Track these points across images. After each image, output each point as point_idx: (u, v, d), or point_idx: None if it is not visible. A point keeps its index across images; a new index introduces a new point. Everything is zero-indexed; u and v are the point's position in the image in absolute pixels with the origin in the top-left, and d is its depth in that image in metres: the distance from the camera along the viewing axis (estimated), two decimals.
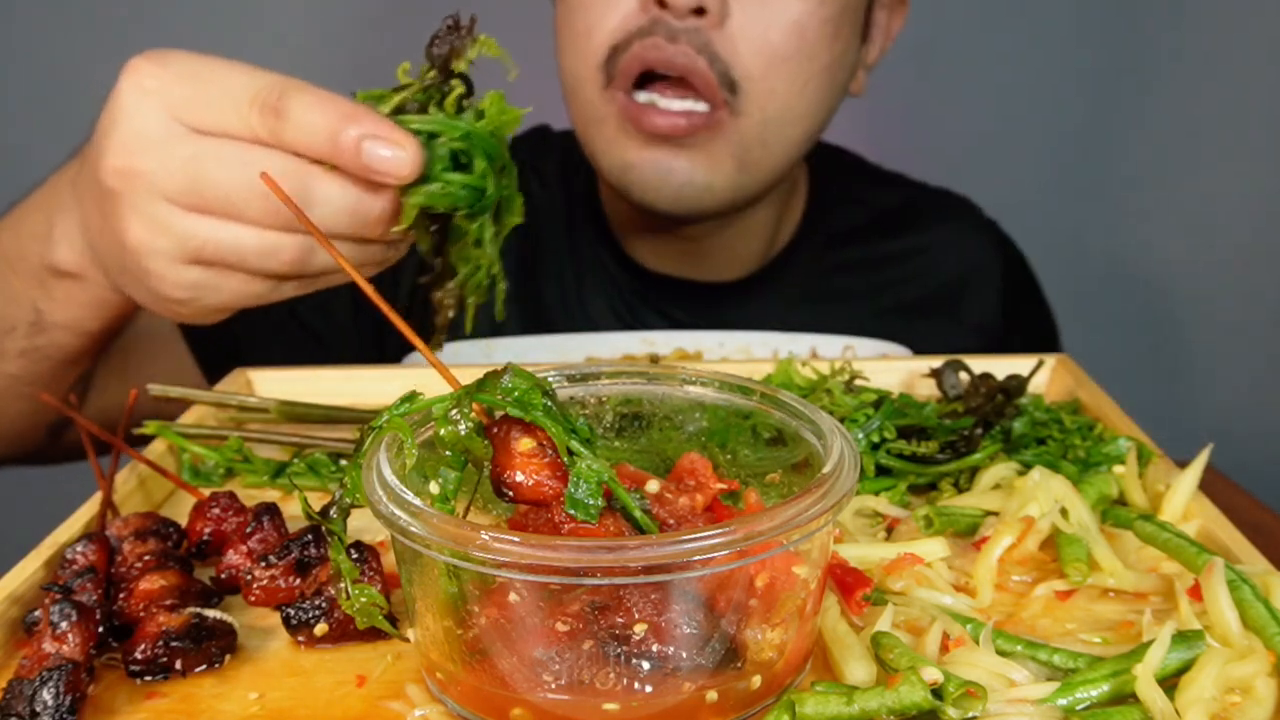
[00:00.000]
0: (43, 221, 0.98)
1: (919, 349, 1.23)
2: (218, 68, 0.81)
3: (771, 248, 1.50)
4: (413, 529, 0.58)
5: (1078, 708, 0.61)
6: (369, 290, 0.65)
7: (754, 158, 1.29)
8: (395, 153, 0.78)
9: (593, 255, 1.48)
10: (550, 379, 0.74)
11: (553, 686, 0.58)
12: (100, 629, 0.66)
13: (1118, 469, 0.88)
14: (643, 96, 1.25)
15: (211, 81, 0.81)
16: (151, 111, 0.81)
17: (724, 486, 0.68)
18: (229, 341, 1.31)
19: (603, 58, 1.25)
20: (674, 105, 1.24)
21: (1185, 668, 0.63)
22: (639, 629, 0.57)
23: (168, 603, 0.69)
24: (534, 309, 1.46)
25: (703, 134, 1.25)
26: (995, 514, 0.82)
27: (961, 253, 1.58)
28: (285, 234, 0.82)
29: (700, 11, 1.20)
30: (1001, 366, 1.05)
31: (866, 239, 1.55)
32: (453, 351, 1.24)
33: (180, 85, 0.81)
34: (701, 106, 1.24)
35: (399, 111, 0.82)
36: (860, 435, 0.90)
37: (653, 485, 0.66)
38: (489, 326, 1.33)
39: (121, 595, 0.71)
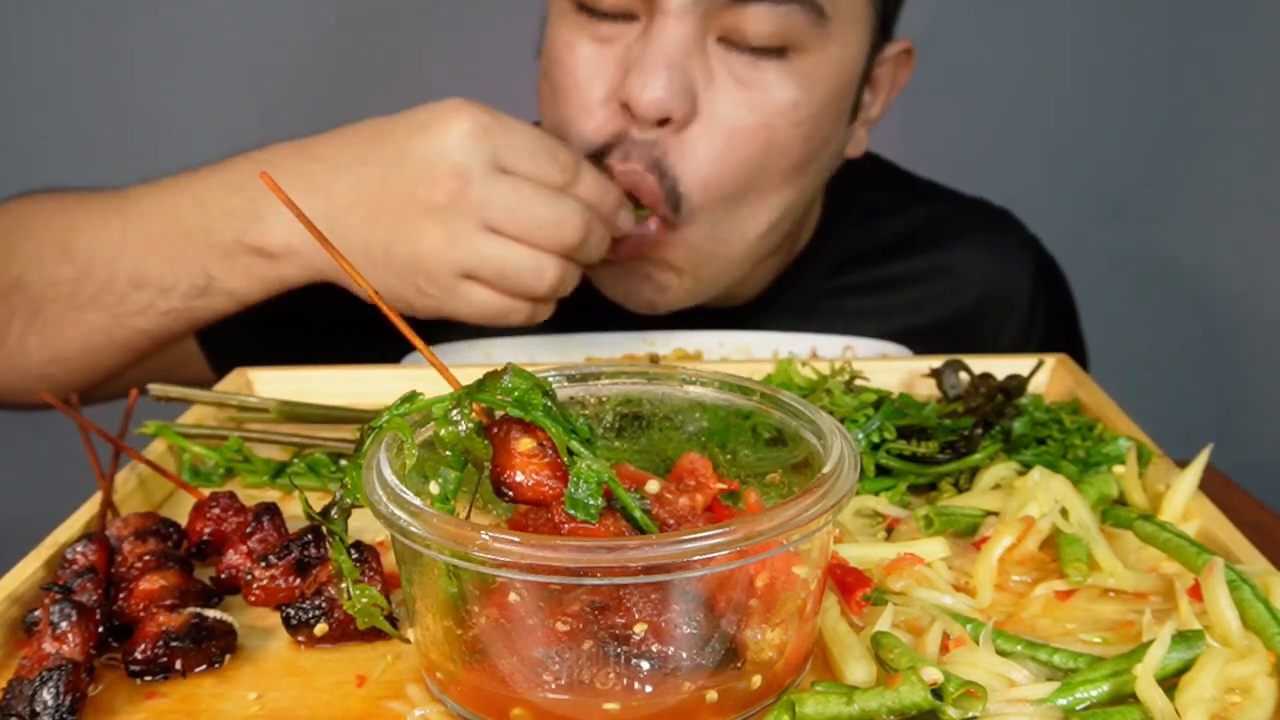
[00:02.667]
0: (242, 202, 1.13)
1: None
2: (516, 125, 1.10)
3: (778, 271, 1.46)
4: (413, 529, 0.58)
5: (1078, 708, 0.61)
6: (371, 291, 0.65)
7: (706, 254, 1.26)
8: (628, 216, 1.19)
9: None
10: (550, 379, 0.74)
11: (553, 686, 0.58)
12: (100, 629, 0.66)
13: (1118, 469, 0.88)
14: None
15: (517, 136, 1.09)
16: (481, 151, 1.06)
17: (724, 486, 0.68)
18: (237, 343, 1.32)
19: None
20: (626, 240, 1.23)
21: (1185, 668, 0.63)
22: (639, 629, 0.57)
23: (168, 603, 0.69)
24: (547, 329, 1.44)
25: (648, 245, 1.23)
26: (995, 514, 0.82)
27: (989, 274, 1.49)
28: (552, 258, 1.09)
29: (664, 121, 1.17)
30: (1001, 366, 1.05)
31: (881, 259, 1.49)
32: (453, 351, 1.23)
33: (498, 135, 1.08)
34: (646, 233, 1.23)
35: None
36: (860, 435, 0.90)
37: (653, 485, 0.66)
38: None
39: (121, 595, 0.71)
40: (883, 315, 1.46)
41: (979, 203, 1.58)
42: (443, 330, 1.27)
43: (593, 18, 1.21)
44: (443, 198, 1.07)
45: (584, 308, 1.42)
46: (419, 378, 1.03)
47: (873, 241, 1.50)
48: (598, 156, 1.20)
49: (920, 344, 1.35)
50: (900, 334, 1.38)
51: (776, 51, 1.18)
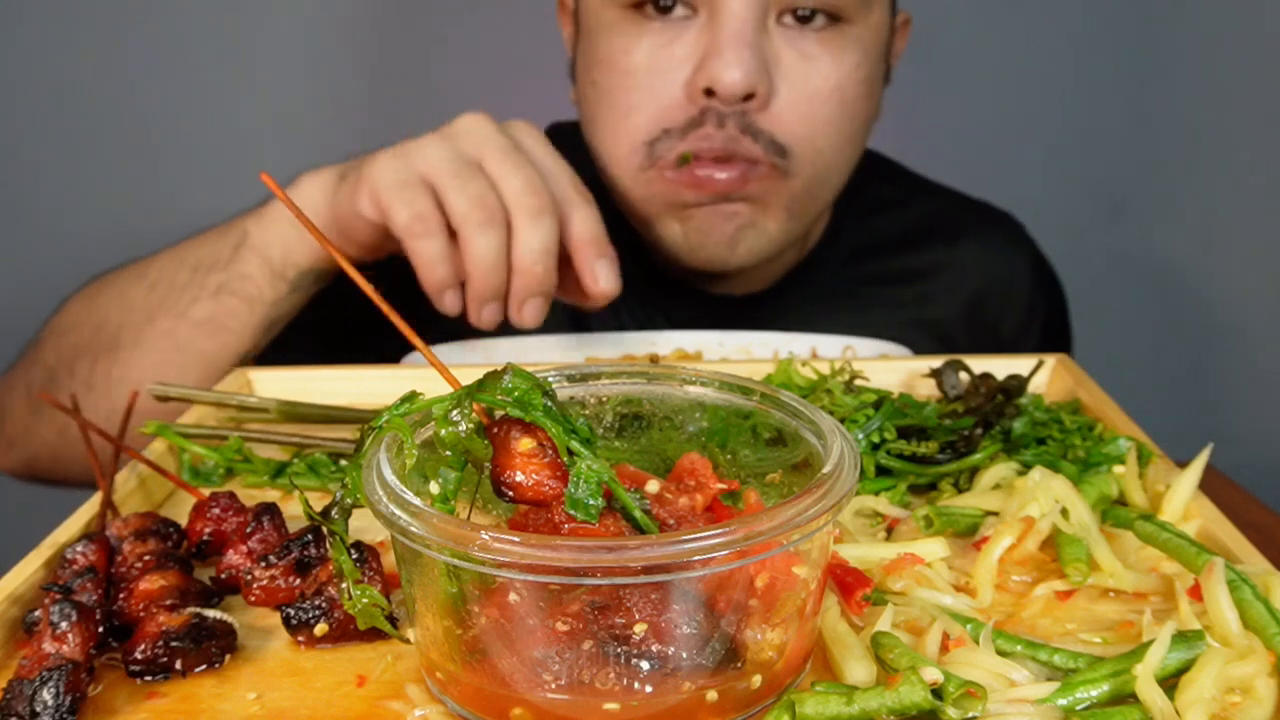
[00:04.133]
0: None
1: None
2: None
3: (795, 260, 1.50)
4: (413, 529, 0.58)
5: (1078, 708, 0.61)
6: (368, 289, 0.65)
7: (801, 207, 1.34)
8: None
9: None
10: (550, 379, 0.74)
11: (553, 686, 0.58)
12: (100, 629, 0.66)
13: (1118, 469, 0.88)
14: (696, 163, 1.28)
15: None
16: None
17: (724, 486, 0.68)
18: None
19: (645, 141, 1.28)
20: (729, 171, 1.27)
21: (1185, 668, 0.63)
22: (639, 629, 0.57)
23: (168, 603, 0.69)
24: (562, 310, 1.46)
25: (755, 186, 1.28)
26: (995, 514, 0.82)
27: (993, 269, 1.56)
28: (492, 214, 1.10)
29: (749, 97, 1.23)
30: (1001, 366, 1.05)
31: (889, 252, 1.55)
32: (453, 351, 1.23)
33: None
34: (751, 168, 1.28)
35: None
36: (860, 435, 0.90)
37: (653, 485, 0.66)
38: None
39: (121, 595, 0.71)
40: (893, 306, 1.51)
41: (981, 203, 1.64)
42: (443, 331, 1.27)
43: (649, 19, 1.26)
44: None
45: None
46: (419, 378, 1.03)
47: (881, 235, 1.56)
48: (680, 132, 1.25)
49: (929, 334, 1.43)
50: (909, 325, 1.45)
51: (831, 22, 1.26)
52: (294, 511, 0.79)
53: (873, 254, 1.54)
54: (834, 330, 1.36)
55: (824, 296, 1.51)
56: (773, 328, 1.44)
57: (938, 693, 0.59)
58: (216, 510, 0.79)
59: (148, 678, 0.66)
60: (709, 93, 1.23)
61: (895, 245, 1.55)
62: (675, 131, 1.26)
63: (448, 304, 1.13)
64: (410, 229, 1.10)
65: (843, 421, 0.89)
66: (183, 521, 0.81)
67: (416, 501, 0.59)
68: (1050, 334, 1.60)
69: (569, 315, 1.45)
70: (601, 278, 1.15)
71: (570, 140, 1.48)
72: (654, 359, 1.22)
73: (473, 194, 1.09)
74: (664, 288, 1.46)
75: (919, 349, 1.28)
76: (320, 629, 0.68)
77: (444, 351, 1.23)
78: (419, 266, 1.12)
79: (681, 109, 1.26)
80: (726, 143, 1.25)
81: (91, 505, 0.82)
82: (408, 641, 0.68)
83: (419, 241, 1.10)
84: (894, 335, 1.33)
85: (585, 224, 1.15)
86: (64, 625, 0.64)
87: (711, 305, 1.47)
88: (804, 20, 1.25)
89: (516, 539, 0.56)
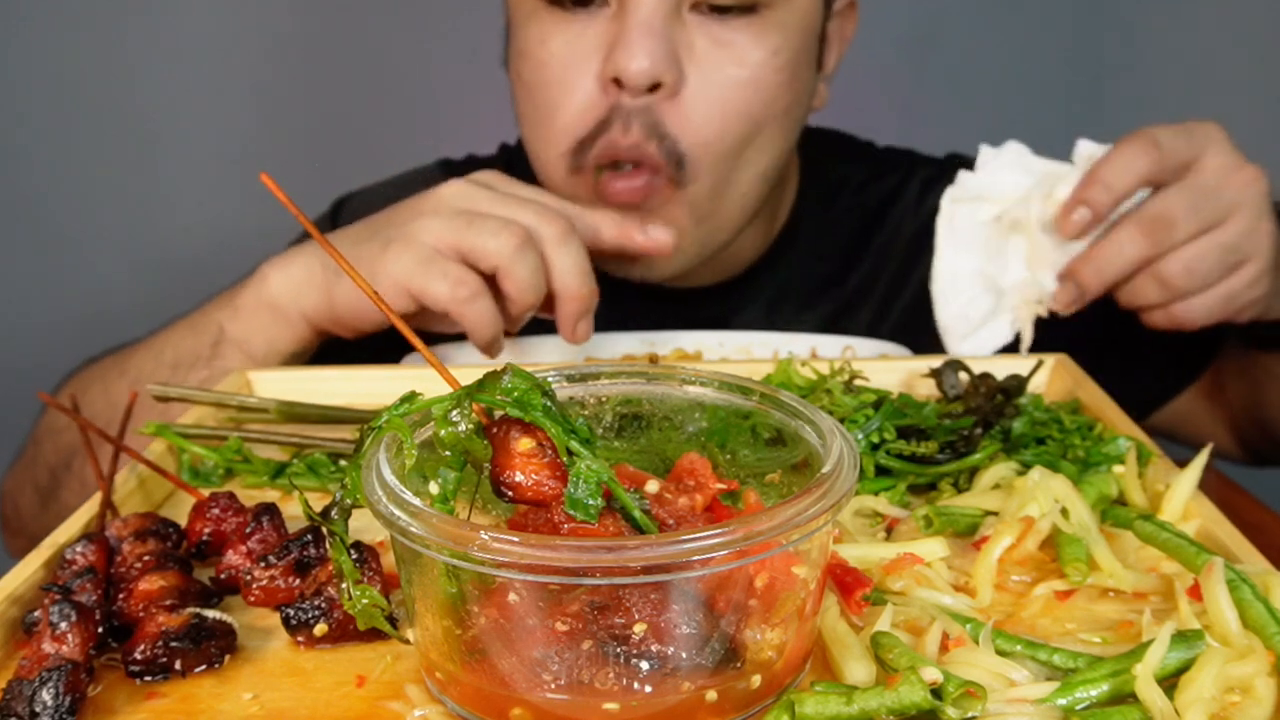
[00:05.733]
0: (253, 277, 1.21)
1: (920, 332, 1.24)
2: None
3: (763, 246, 1.50)
4: (412, 529, 0.58)
5: (1077, 707, 0.61)
6: (368, 290, 0.65)
7: (709, 210, 1.31)
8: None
9: None
10: (550, 379, 0.74)
11: (552, 686, 0.58)
12: (100, 629, 0.66)
13: (1117, 469, 0.88)
14: (605, 175, 1.27)
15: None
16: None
17: (723, 486, 0.68)
18: None
19: (569, 148, 1.27)
20: (630, 183, 1.26)
21: (1185, 667, 0.63)
22: (638, 629, 0.57)
23: (167, 603, 0.69)
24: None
25: (656, 198, 1.26)
26: (995, 514, 0.82)
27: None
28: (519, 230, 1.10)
29: (656, 86, 1.21)
30: (1001, 366, 1.05)
31: (865, 227, 1.53)
32: (454, 351, 1.23)
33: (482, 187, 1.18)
34: (654, 178, 1.26)
35: None
36: (860, 435, 0.90)
37: (652, 485, 0.66)
38: None
39: (121, 595, 0.71)
40: (870, 279, 1.50)
41: (935, 158, 1.63)
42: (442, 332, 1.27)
43: (563, 8, 1.25)
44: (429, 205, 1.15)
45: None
46: (419, 378, 1.03)
47: (854, 213, 1.54)
48: (593, 137, 1.24)
49: (911, 306, 1.40)
50: (887, 297, 1.44)
51: (747, 9, 1.23)
52: (294, 511, 0.79)
53: (847, 233, 1.53)
54: (810, 316, 1.35)
55: (794, 282, 1.49)
56: (746, 316, 1.44)
57: (937, 693, 0.59)
58: (216, 510, 0.79)
59: (147, 678, 0.66)
60: (618, 83, 1.21)
61: (863, 221, 1.54)
62: (589, 142, 1.25)
63: (494, 352, 1.15)
64: (455, 297, 1.09)
65: (842, 421, 0.89)
66: (182, 522, 0.81)
67: (416, 502, 0.59)
68: None
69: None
70: (657, 235, 1.18)
71: (517, 160, 1.48)
72: (653, 359, 1.23)
73: (494, 228, 1.09)
74: (627, 287, 1.43)
75: (903, 320, 1.28)
76: (320, 629, 0.68)
77: (443, 351, 1.23)
78: (472, 330, 1.12)
79: (598, 106, 1.24)
80: (630, 148, 1.23)
81: (91, 506, 0.82)
82: (407, 642, 0.68)
83: (467, 307, 1.10)
84: (874, 310, 1.32)
85: (605, 221, 1.17)
86: (64, 625, 0.64)
87: (678, 299, 1.45)
88: (721, 11, 1.22)
89: (516, 539, 0.56)
